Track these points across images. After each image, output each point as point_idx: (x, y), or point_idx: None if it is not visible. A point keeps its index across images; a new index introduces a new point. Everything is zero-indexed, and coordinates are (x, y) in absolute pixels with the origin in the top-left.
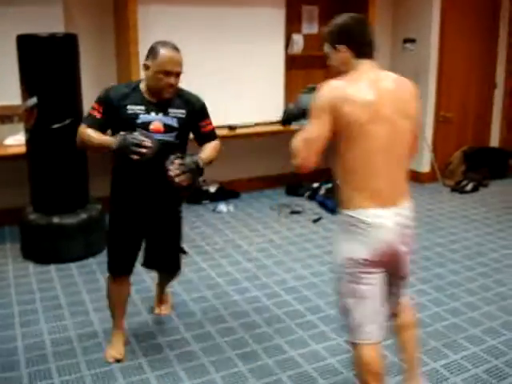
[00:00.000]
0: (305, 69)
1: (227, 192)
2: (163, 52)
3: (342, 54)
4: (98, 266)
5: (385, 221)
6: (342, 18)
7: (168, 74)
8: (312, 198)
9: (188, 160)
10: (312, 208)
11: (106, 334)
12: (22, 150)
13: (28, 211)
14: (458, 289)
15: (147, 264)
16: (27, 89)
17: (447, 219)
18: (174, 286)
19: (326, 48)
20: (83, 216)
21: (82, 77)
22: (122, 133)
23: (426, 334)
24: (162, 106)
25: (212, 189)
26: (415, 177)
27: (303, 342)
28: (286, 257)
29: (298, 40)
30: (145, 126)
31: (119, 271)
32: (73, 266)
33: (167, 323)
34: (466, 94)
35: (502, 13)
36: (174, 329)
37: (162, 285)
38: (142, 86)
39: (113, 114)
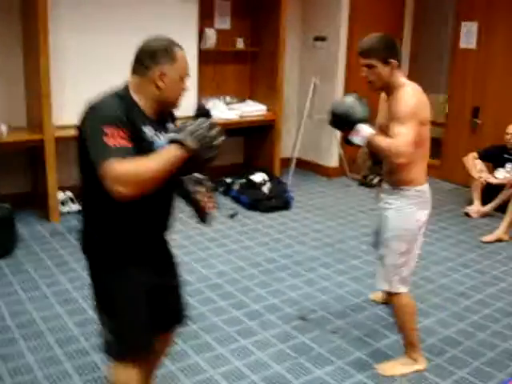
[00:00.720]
0: (217, 64)
1: None
2: (180, 52)
3: (394, 66)
4: (8, 268)
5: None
6: (383, 35)
7: (184, 78)
8: (226, 193)
9: (207, 183)
10: (226, 203)
11: (25, 340)
12: None
13: None
14: (373, 279)
15: (164, 325)
16: None
17: (357, 212)
18: None
19: (374, 63)
20: None
21: None
22: (174, 128)
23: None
24: (162, 126)
25: None
26: (324, 171)
27: (230, 338)
28: (206, 253)
29: (211, 35)
30: None
31: (147, 344)
32: None
33: (89, 325)
34: (373, 92)
35: (406, 11)
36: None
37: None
38: (139, 100)
39: (134, 142)
